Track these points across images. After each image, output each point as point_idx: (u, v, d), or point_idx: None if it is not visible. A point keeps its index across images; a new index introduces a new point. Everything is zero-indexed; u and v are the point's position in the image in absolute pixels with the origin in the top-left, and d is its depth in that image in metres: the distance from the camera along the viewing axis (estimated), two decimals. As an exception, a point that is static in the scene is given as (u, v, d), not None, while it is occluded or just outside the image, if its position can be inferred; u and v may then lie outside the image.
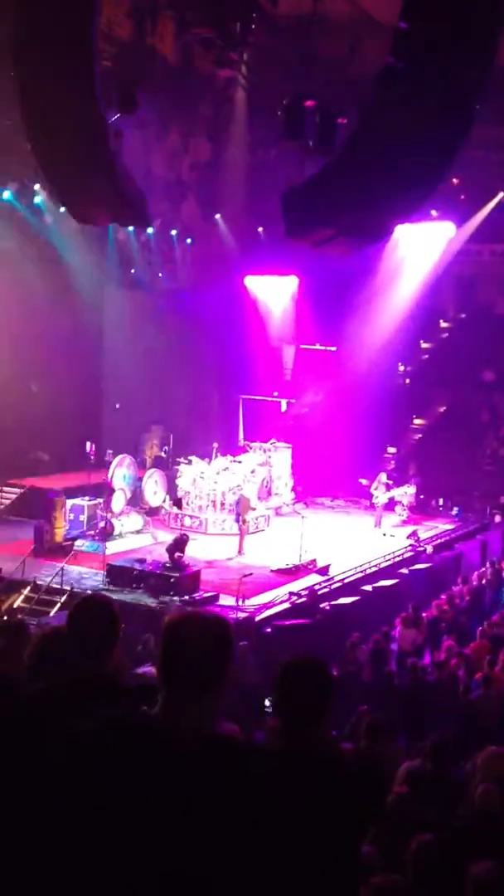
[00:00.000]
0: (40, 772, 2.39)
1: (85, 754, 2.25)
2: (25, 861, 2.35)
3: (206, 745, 2.20)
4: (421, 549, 21.44)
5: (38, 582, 16.85)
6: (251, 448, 25.75)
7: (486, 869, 4.05)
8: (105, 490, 20.72)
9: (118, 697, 2.79)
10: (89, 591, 15.51)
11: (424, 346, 30.42)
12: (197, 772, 2.15)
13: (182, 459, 23.39)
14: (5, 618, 14.19)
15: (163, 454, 25.72)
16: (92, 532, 20.14)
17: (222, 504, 22.24)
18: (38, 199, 22.88)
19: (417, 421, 29.73)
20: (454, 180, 23.18)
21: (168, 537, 19.14)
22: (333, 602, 16.98)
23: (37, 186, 22.39)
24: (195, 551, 18.84)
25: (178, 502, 22.39)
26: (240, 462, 24.07)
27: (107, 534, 19.72)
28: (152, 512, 22.60)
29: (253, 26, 17.81)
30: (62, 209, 20.12)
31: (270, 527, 22.82)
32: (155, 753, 2.19)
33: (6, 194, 22.41)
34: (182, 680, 2.25)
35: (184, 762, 2.16)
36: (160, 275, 27.64)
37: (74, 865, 2.20)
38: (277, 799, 2.22)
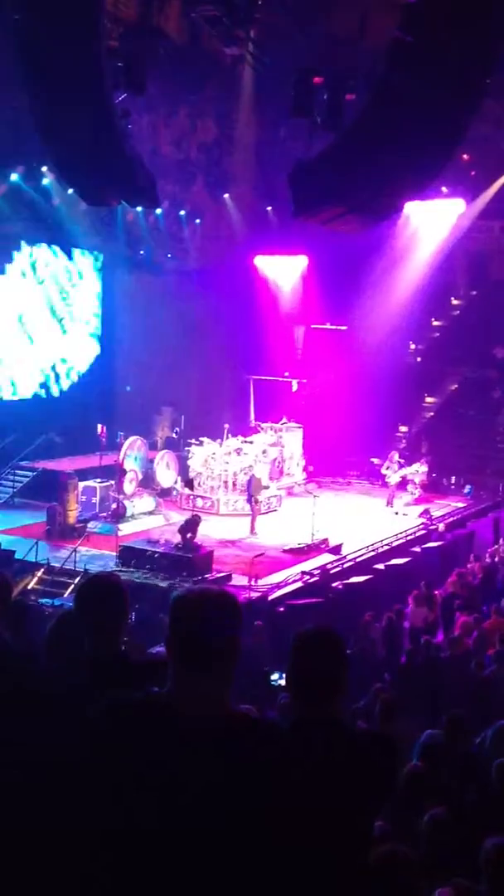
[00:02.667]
0: (57, 750, 2.41)
1: (98, 735, 2.27)
2: (39, 832, 2.38)
3: (217, 721, 2.21)
4: (433, 527, 21.43)
5: (52, 564, 16.93)
6: (262, 428, 25.74)
7: (500, 843, 4.07)
8: (117, 472, 20.77)
9: (128, 676, 2.80)
10: (104, 571, 15.59)
11: (436, 323, 30.29)
12: (208, 749, 2.16)
13: (193, 440, 23.41)
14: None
15: (174, 435, 25.75)
16: (104, 514, 20.22)
17: (234, 485, 22.27)
18: (45, 182, 22.82)
19: (429, 399, 29.65)
20: (464, 156, 22.96)
21: (180, 518, 19.19)
22: (346, 581, 17.01)
23: (44, 168, 22.32)
24: (207, 532, 18.90)
25: (189, 483, 22.43)
26: (251, 442, 24.07)
27: (119, 515, 19.79)
28: (164, 493, 22.65)
29: (259, 2, 17.64)
30: (70, 191, 20.11)
31: (282, 507, 22.84)
32: (166, 731, 2.20)
33: (14, 177, 22.35)
34: (190, 656, 2.25)
35: (194, 739, 2.17)
36: (169, 255, 27.58)
37: (89, 840, 2.22)
38: (290, 774, 2.23)
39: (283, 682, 2.71)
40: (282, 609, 15.21)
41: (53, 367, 26.01)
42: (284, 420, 26.21)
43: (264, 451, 23.86)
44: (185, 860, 2.13)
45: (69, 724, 2.40)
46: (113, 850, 2.19)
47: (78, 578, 16.29)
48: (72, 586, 16.24)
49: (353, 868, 2.38)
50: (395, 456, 24.49)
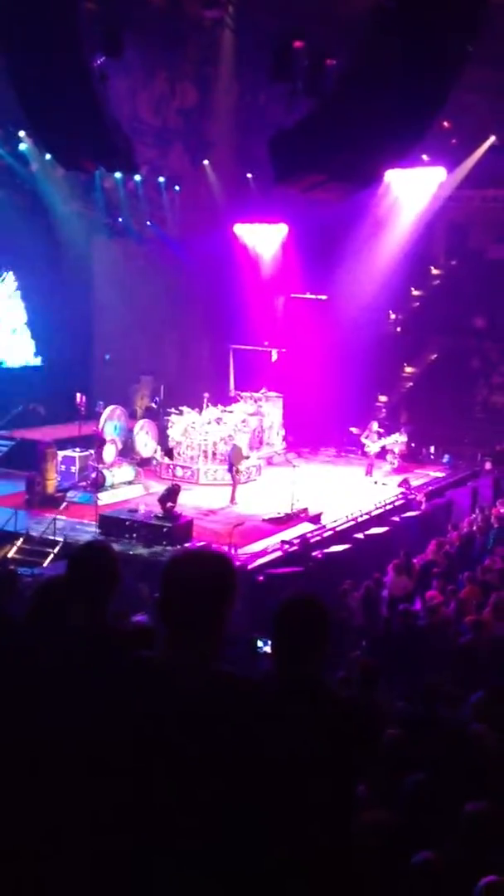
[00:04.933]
0: (43, 719, 2.40)
1: (89, 699, 2.26)
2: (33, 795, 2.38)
3: (206, 681, 2.21)
4: (412, 496, 21.53)
5: (31, 533, 16.89)
6: (242, 398, 25.70)
7: (480, 808, 4.12)
8: (96, 441, 20.68)
9: (117, 643, 2.80)
10: (84, 541, 15.58)
11: (415, 293, 30.24)
12: (194, 706, 2.16)
13: (173, 410, 23.35)
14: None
15: (153, 405, 25.65)
16: (84, 483, 20.15)
17: (214, 454, 22.26)
18: (22, 147, 22.50)
19: (408, 369, 29.68)
20: (445, 124, 22.84)
21: (160, 488, 19.18)
22: (326, 550, 17.08)
23: (21, 133, 22.01)
24: (187, 501, 18.90)
25: (169, 453, 22.40)
26: (231, 412, 24.05)
27: (98, 485, 19.74)
28: (144, 462, 22.60)
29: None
30: (48, 156, 19.84)
31: (262, 476, 22.87)
32: (157, 692, 2.20)
33: (-9, 142, 22.04)
34: (180, 617, 2.25)
35: (184, 699, 2.17)
36: (148, 223, 27.32)
37: (84, 802, 2.22)
38: (273, 732, 2.24)
39: (267, 650, 2.74)
40: (261, 578, 15.26)
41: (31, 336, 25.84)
42: (264, 390, 26.17)
43: (244, 421, 23.84)
44: (171, 813, 2.13)
45: (59, 689, 2.39)
46: (105, 806, 2.19)
47: (58, 548, 16.28)
48: (51, 556, 16.24)
49: (334, 829, 2.39)
50: (375, 426, 24.55)
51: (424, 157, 24.61)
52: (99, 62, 15.10)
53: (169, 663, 2.25)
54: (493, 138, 25.02)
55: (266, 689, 2.49)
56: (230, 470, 20.78)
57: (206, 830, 2.13)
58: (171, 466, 22.21)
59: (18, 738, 2.45)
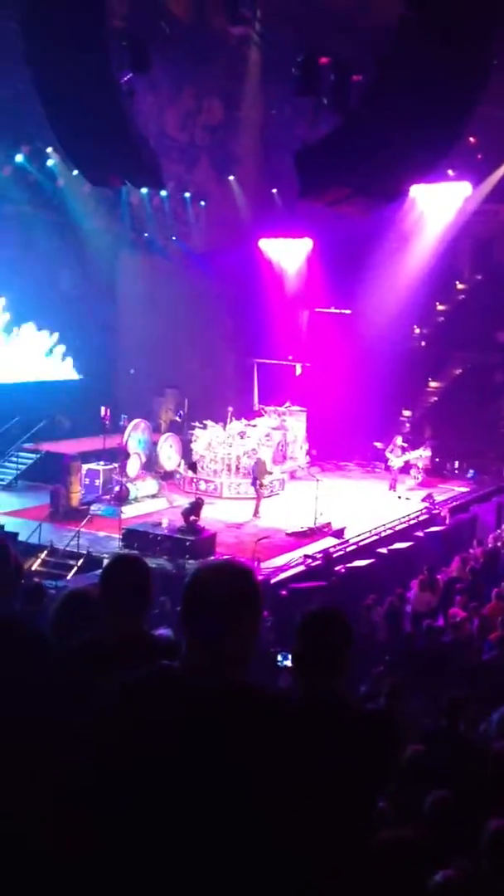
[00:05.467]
0: (76, 727, 2.40)
1: (108, 709, 2.26)
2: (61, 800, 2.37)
3: (226, 692, 2.20)
4: (436, 511, 21.42)
5: (55, 546, 16.95)
6: (266, 412, 25.72)
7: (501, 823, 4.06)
8: (120, 454, 20.77)
9: (153, 656, 2.80)
10: (108, 553, 15.62)
11: (440, 308, 30.17)
12: (215, 718, 2.15)
13: (197, 424, 23.39)
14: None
15: (178, 418, 25.72)
16: (107, 496, 20.23)
17: (237, 468, 22.26)
18: (50, 163, 22.71)
19: (433, 384, 29.57)
20: (471, 139, 22.82)
21: (183, 501, 19.20)
22: (349, 564, 17.02)
23: (49, 149, 22.22)
24: (210, 515, 18.91)
25: (192, 466, 22.43)
26: (255, 426, 24.06)
27: (122, 498, 19.80)
28: (167, 476, 22.64)
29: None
30: (75, 172, 19.98)
31: (286, 490, 22.84)
32: (175, 702, 2.20)
33: (19, 157, 22.25)
34: (196, 626, 2.24)
35: (203, 709, 2.16)
36: (174, 238, 27.46)
37: (107, 812, 2.21)
38: (295, 746, 2.22)
39: (288, 664, 2.73)
40: (284, 592, 15.22)
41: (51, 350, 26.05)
42: (288, 404, 26.16)
43: (268, 435, 23.84)
44: (190, 832, 2.12)
45: (80, 701, 2.39)
46: (118, 825, 2.18)
47: (81, 560, 16.32)
48: (75, 568, 16.28)
49: (353, 844, 2.37)
50: (399, 440, 24.47)
51: (450, 172, 24.59)
52: (126, 78, 15.25)
53: (191, 676, 2.24)
54: (519, 152, 24.98)
55: (288, 704, 2.48)
56: (254, 484, 20.77)
57: (222, 846, 2.12)
58: (195, 480, 22.23)
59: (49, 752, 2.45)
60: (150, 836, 2.14)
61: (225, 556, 16.61)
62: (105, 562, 3.61)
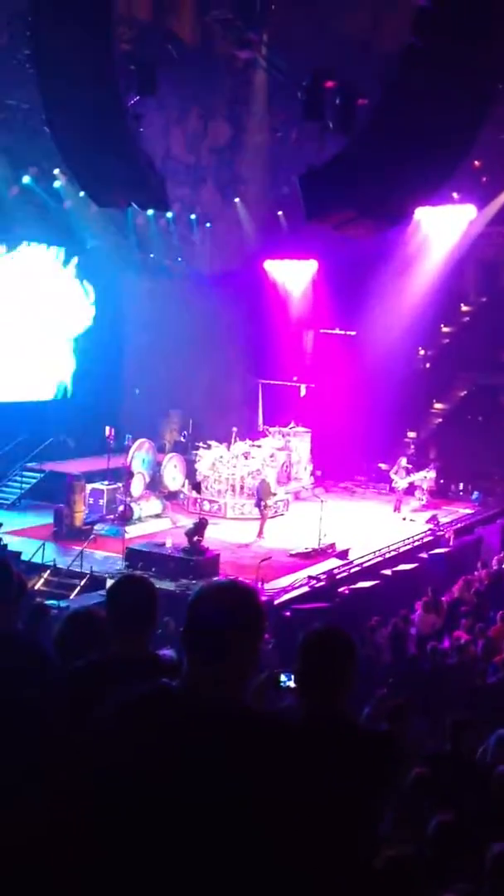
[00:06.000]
0: (77, 744, 2.39)
1: (106, 726, 2.25)
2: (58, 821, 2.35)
3: (226, 712, 2.18)
4: (441, 533, 21.37)
5: (58, 565, 16.93)
6: (270, 432, 25.73)
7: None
8: (124, 474, 20.77)
9: (158, 675, 2.79)
10: (111, 574, 15.59)
11: (445, 329, 30.17)
12: (215, 739, 2.14)
13: (201, 444, 23.40)
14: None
15: (182, 439, 25.75)
16: (111, 516, 20.22)
17: (241, 488, 22.25)
18: (57, 184, 22.85)
19: (438, 405, 29.55)
20: (476, 163, 22.92)
21: (187, 521, 19.19)
22: (352, 586, 16.97)
23: (56, 171, 22.36)
24: (214, 535, 18.88)
25: (197, 486, 22.42)
26: (259, 446, 24.06)
27: (126, 518, 19.79)
28: (171, 496, 22.64)
29: (272, 6, 17.67)
30: (81, 194, 20.08)
31: (290, 511, 22.81)
32: (173, 721, 2.18)
33: (26, 179, 22.38)
34: (198, 644, 2.24)
35: (201, 729, 2.15)
36: (179, 259, 27.58)
37: (106, 830, 2.19)
38: (297, 766, 2.21)
39: (291, 684, 2.70)
40: (288, 613, 15.17)
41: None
42: (292, 424, 26.18)
43: (272, 456, 23.84)
44: (188, 850, 2.11)
45: (83, 720, 2.38)
46: (118, 843, 2.16)
47: (85, 580, 16.29)
48: (78, 588, 16.25)
49: (355, 863, 2.35)
50: (403, 461, 24.45)
51: (455, 195, 24.69)
52: (133, 101, 15.37)
53: (190, 694, 2.23)
54: (523, 176, 25.08)
55: (289, 723, 2.46)
56: (258, 504, 20.75)
57: (222, 864, 2.10)
58: (199, 500, 22.22)
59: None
60: (149, 855, 2.13)
61: (229, 577, 16.57)
62: (110, 582, 3.61)
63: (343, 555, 18.67)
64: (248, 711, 2.26)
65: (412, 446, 28.04)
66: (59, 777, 2.39)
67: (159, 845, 2.11)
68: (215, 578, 15.34)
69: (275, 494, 21.84)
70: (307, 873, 2.18)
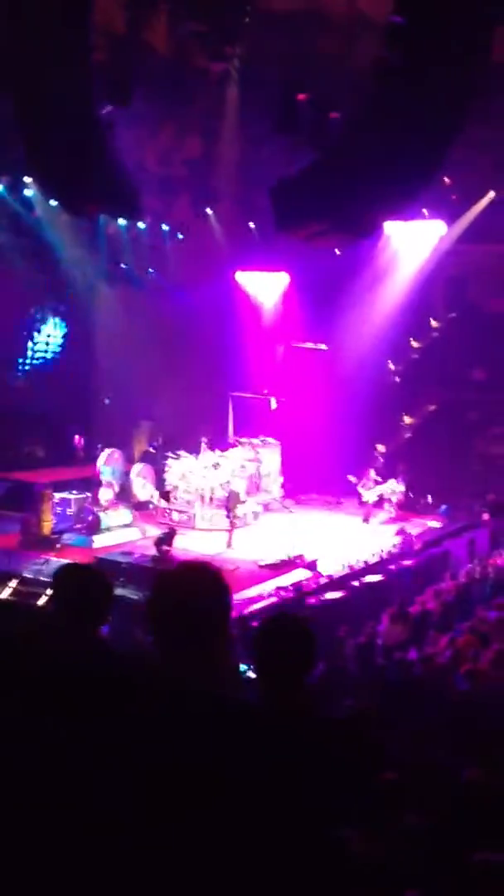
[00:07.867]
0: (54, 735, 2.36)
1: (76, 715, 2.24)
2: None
3: (187, 698, 2.17)
4: (408, 545, 21.46)
5: (25, 574, 16.80)
6: (240, 443, 25.74)
7: (486, 856, 4.04)
8: (93, 484, 20.67)
9: (112, 666, 2.77)
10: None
11: (415, 344, 30.38)
12: (176, 727, 2.13)
13: (171, 454, 23.36)
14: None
15: (152, 449, 25.67)
16: (79, 526, 20.10)
17: (210, 499, 22.22)
18: (28, 192, 22.78)
19: (407, 419, 29.72)
20: (446, 180, 23.17)
21: (156, 531, 19.13)
22: (321, 597, 16.98)
23: (27, 179, 22.30)
24: (183, 545, 18.83)
25: (166, 496, 22.37)
26: (227, 457, 24.06)
27: (94, 527, 19.69)
28: (140, 506, 22.55)
29: (246, 20, 17.79)
30: (53, 202, 20.06)
31: (259, 522, 22.80)
32: (146, 707, 2.17)
33: (-1, 187, 22.33)
34: (167, 627, 2.23)
35: (164, 716, 2.14)
36: (151, 270, 27.57)
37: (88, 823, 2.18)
38: (257, 756, 2.20)
39: (251, 674, 2.69)
40: (255, 624, 15.13)
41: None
42: (262, 437, 26.20)
43: (242, 466, 23.85)
44: (150, 834, 2.09)
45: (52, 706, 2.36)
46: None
47: (51, 589, 16.18)
48: (43, 597, 16.13)
49: (321, 864, 2.31)
50: (372, 474, 24.56)
51: (425, 211, 24.93)
52: (106, 111, 15.38)
53: (155, 679, 2.22)
54: (492, 194, 25.40)
55: (252, 714, 2.45)
56: (228, 515, 20.74)
57: (184, 861, 2.09)
58: (168, 510, 22.16)
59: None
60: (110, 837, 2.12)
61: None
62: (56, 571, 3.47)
63: (311, 566, 18.69)
64: (209, 696, 2.25)
65: (381, 459, 28.16)
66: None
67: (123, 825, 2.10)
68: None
69: (244, 503, 21.83)
70: (266, 871, 2.16)
